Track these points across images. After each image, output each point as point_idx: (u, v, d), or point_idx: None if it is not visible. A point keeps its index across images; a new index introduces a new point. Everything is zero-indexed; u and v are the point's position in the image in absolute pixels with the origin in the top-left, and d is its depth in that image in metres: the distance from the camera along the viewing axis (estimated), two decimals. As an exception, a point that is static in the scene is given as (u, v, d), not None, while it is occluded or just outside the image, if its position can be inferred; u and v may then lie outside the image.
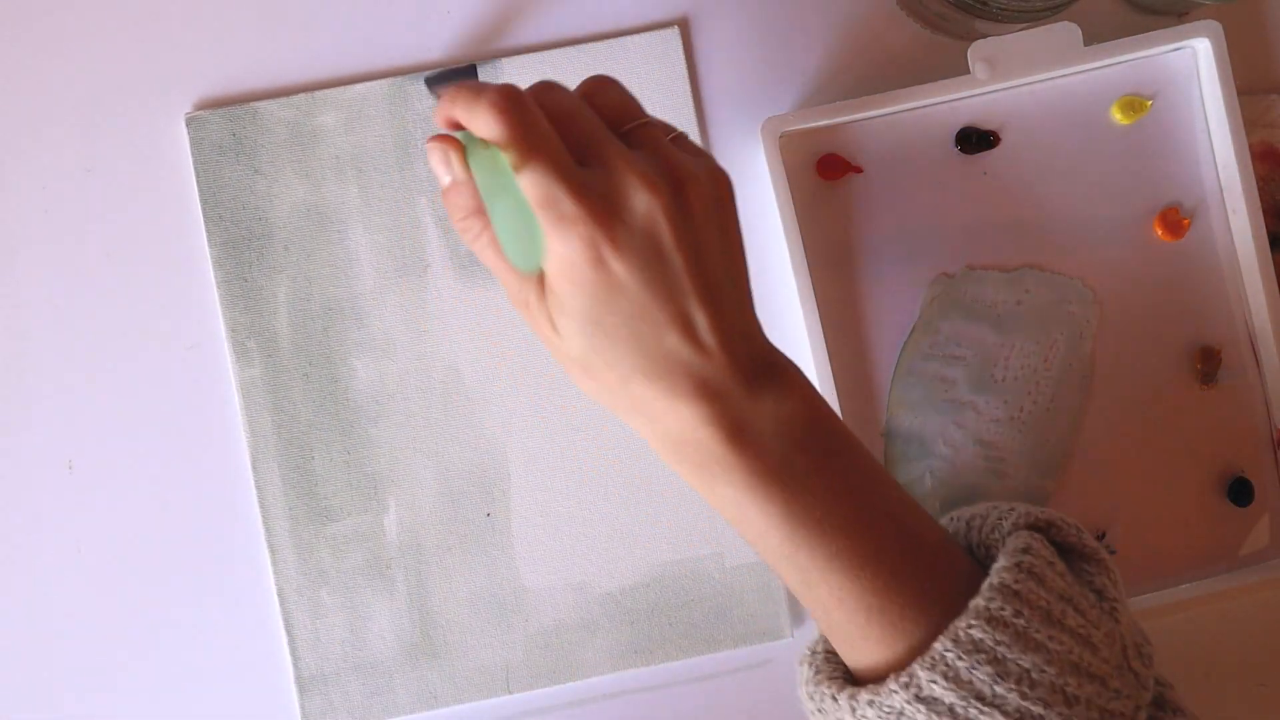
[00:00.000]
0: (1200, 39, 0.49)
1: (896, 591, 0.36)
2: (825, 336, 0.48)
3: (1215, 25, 0.49)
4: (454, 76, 0.48)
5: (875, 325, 0.50)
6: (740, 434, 0.35)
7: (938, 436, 0.50)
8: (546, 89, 0.36)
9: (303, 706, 0.48)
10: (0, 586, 0.49)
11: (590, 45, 0.50)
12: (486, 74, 0.50)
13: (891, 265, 0.50)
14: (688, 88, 0.50)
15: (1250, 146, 0.50)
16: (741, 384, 0.35)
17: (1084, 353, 0.50)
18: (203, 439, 0.49)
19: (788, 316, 0.50)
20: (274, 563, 0.49)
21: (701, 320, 0.35)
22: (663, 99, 0.50)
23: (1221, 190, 0.51)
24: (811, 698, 0.38)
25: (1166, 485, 0.51)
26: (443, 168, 0.38)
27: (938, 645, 0.35)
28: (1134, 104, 0.50)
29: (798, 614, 0.50)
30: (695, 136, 0.50)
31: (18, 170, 0.49)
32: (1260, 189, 0.50)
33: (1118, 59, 0.50)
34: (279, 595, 0.49)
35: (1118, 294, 0.51)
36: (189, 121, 0.49)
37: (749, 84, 0.51)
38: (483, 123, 0.35)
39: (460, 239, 0.39)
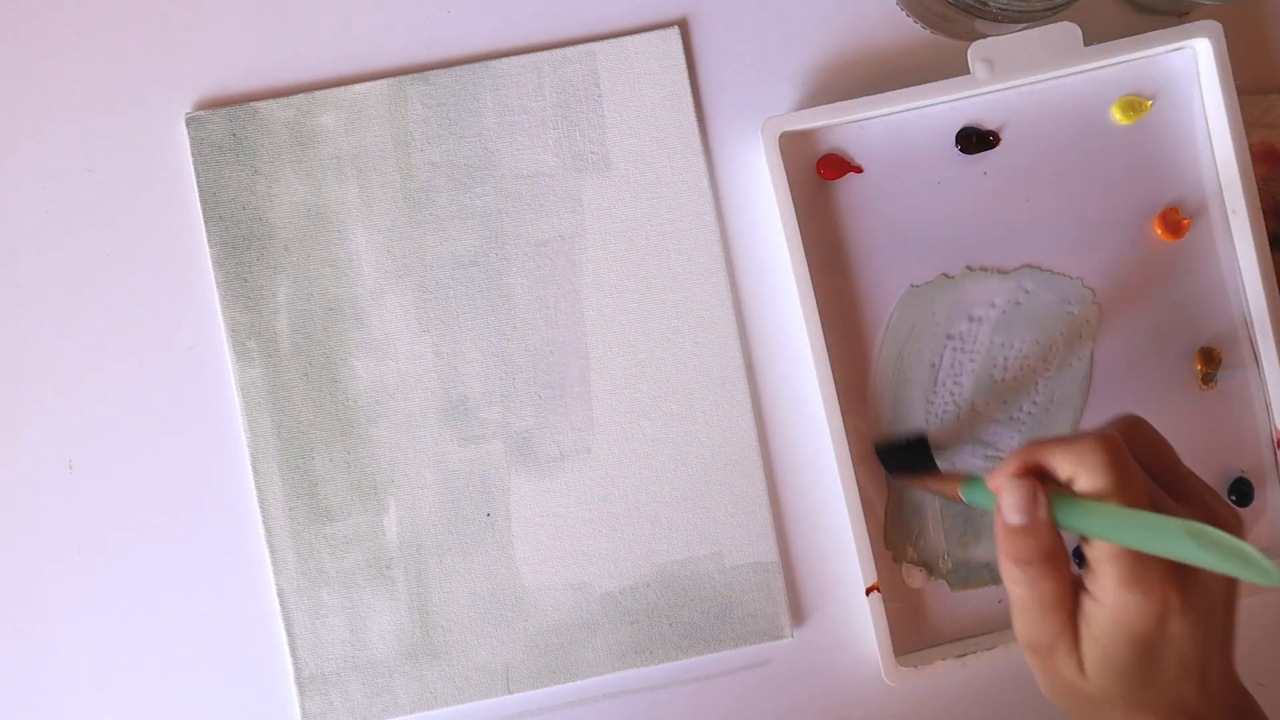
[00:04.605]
0: (1200, 39, 0.49)
1: None
2: (825, 336, 0.48)
3: (1215, 25, 0.49)
4: (906, 452, 0.50)
5: (875, 325, 0.50)
6: None
7: (938, 436, 0.50)
8: (1136, 428, 0.37)
9: (303, 707, 0.48)
10: (0, 586, 0.49)
11: (590, 45, 0.50)
12: (485, 73, 0.50)
13: (892, 265, 0.50)
14: (688, 88, 0.50)
15: (1250, 146, 0.50)
16: None
17: (1084, 353, 0.50)
18: (202, 439, 0.49)
19: (788, 316, 0.50)
20: (274, 563, 0.49)
21: (1215, 667, 0.36)
22: (663, 99, 0.50)
23: (1221, 190, 0.51)
24: None
25: (1166, 485, 0.51)
26: (1027, 508, 0.36)
27: None
28: (1134, 104, 0.50)
29: (798, 614, 0.50)
30: (695, 136, 0.50)
31: (18, 170, 0.49)
32: (1260, 189, 0.50)
33: (1118, 59, 0.50)
34: (279, 595, 0.49)
35: (1118, 294, 0.51)
36: (189, 121, 0.49)
37: (749, 84, 0.51)
38: (1090, 475, 0.35)
39: (1002, 574, 0.38)
